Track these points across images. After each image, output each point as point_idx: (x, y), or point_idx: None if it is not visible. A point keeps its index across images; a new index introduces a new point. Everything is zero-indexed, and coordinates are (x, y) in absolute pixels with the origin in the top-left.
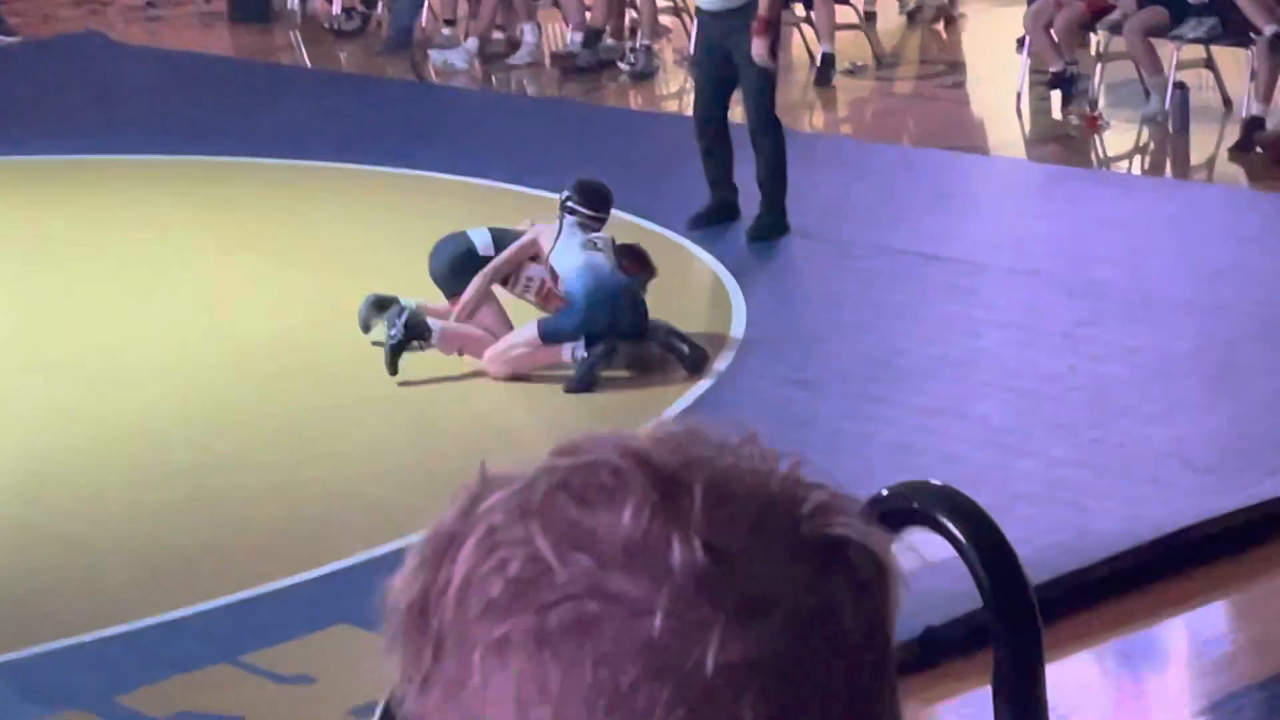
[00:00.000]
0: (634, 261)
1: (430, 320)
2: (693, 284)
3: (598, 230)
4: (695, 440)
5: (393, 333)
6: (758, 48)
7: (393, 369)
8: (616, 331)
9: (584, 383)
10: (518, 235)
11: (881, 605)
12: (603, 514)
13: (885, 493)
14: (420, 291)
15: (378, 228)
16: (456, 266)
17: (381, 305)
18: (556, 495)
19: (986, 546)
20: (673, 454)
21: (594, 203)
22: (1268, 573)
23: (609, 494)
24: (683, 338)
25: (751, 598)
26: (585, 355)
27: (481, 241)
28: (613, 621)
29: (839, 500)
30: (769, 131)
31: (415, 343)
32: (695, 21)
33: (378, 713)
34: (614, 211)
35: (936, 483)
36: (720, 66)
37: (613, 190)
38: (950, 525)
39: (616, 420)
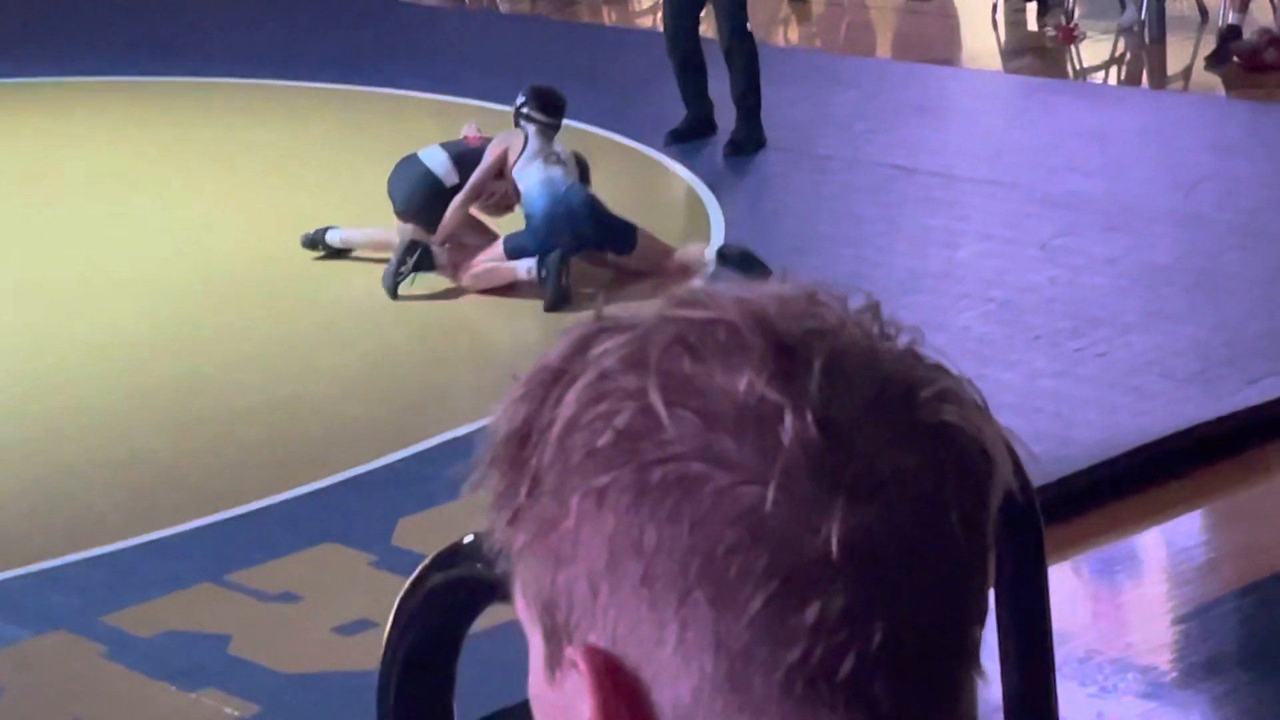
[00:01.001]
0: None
1: (435, 249)
2: (670, 199)
3: (553, 136)
4: (818, 307)
5: (403, 269)
6: None
7: (394, 294)
8: (580, 245)
9: (556, 299)
10: (472, 151)
11: (984, 501)
12: (719, 375)
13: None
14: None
15: (350, 146)
16: (423, 198)
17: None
18: (672, 349)
19: None
20: (795, 320)
21: (549, 109)
22: (1247, 480)
23: (726, 355)
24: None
25: (860, 478)
26: (541, 273)
27: (441, 168)
28: (716, 485)
29: (956, 386)
30: (743, 46)
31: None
32: None
33: (468, 540)
34: (592, 128)
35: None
36: None
37: (588, 107)
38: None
39: None
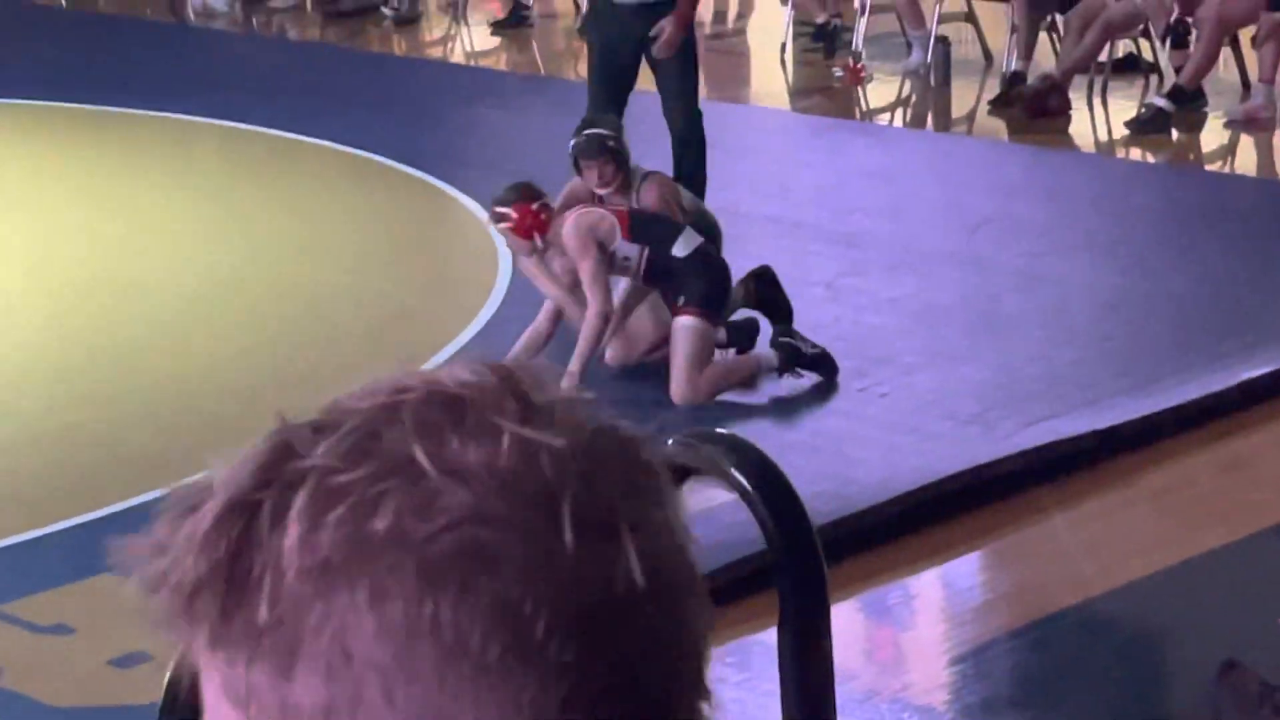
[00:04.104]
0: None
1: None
2: (456, 229)
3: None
4: (515, 378)
5: None
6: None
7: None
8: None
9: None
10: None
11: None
12: (469, 446)
13: (671, 441)
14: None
15: (135, 171)
16: None
17: None
18: (412, 429)
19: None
20: (510, 387)
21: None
22: (1025, 522)
23: (469, 425)
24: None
25: (630, 512)
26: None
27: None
28: (503, 547)
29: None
30: (697, 130)
31: None
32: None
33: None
34: (379, 157)
35: (721, 430)
36: (628, 63)
37: (377, 136)
38: (734, 472)
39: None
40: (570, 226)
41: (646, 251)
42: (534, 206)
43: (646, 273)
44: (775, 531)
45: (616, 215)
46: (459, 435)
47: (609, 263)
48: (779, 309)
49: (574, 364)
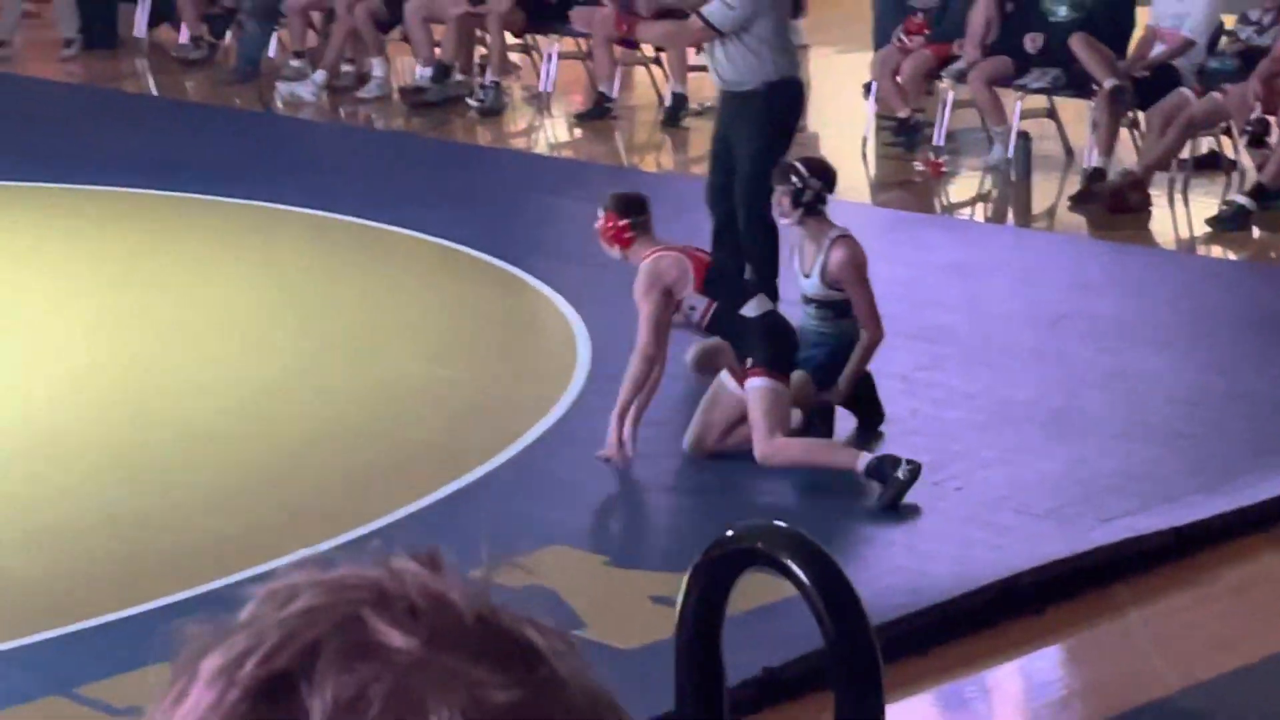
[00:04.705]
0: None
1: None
2: (536, 319)
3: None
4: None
5: None
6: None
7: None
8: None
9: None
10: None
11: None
12: (370, 664)
13: (730, 533)
14: (245, 322)
15: (220, 258)
16: None
17: None
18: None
19: (828, 587)
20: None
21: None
22: (1099, 618)
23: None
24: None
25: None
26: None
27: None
28: None
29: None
30: (756, 232)
31: None
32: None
33: None
34: (462, 247)
35: (780, 523)
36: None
37: (459, 225)
38: (793, 565)
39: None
40: (643, 266)
41: (714, 306)
42: (621, 221)
43: (708, 327)
44: (831, 627)
45: (695, 264)
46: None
47: (673, 309)
48: (872, 411)
49: (618, 408)
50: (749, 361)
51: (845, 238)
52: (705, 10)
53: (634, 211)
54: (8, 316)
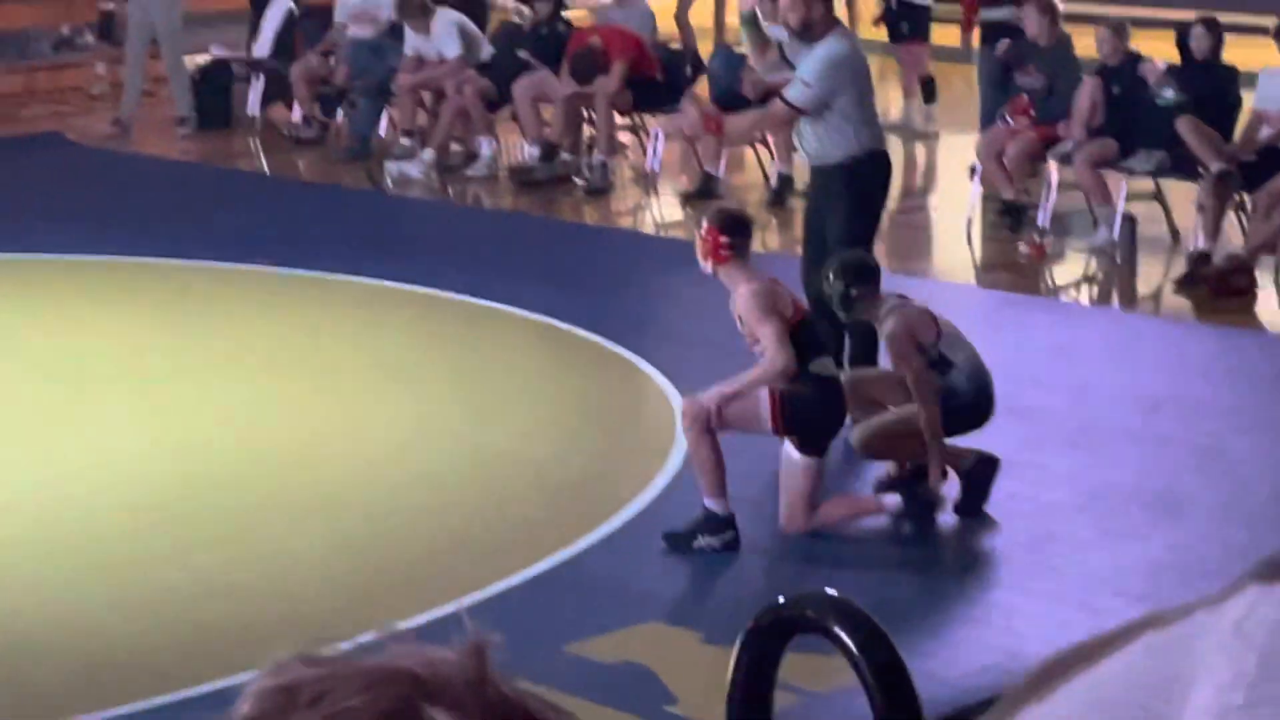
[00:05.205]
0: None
1: None
2: (637, 398)
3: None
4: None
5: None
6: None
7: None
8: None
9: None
10: None
11: None
12: None
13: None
14: (349, 396)
15: (323, 334)
16: None
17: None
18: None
19: (877, 657)
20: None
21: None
22: None
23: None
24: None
25: None
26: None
27: None
28: None
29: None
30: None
31: None
32: None
33: None
34: (568, 325)
35: (831, 592)
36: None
37: (566, 305)
38: (842, 634)
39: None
40: (750, 292)
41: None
42: (722, 238)
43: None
44: (878, 696)
45: (795, 307)
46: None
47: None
48: (976, 496)
49: (728, 387)
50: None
51: (903, 308)
52: (786, 92)
53: (736, 232)
54: (123, 384)
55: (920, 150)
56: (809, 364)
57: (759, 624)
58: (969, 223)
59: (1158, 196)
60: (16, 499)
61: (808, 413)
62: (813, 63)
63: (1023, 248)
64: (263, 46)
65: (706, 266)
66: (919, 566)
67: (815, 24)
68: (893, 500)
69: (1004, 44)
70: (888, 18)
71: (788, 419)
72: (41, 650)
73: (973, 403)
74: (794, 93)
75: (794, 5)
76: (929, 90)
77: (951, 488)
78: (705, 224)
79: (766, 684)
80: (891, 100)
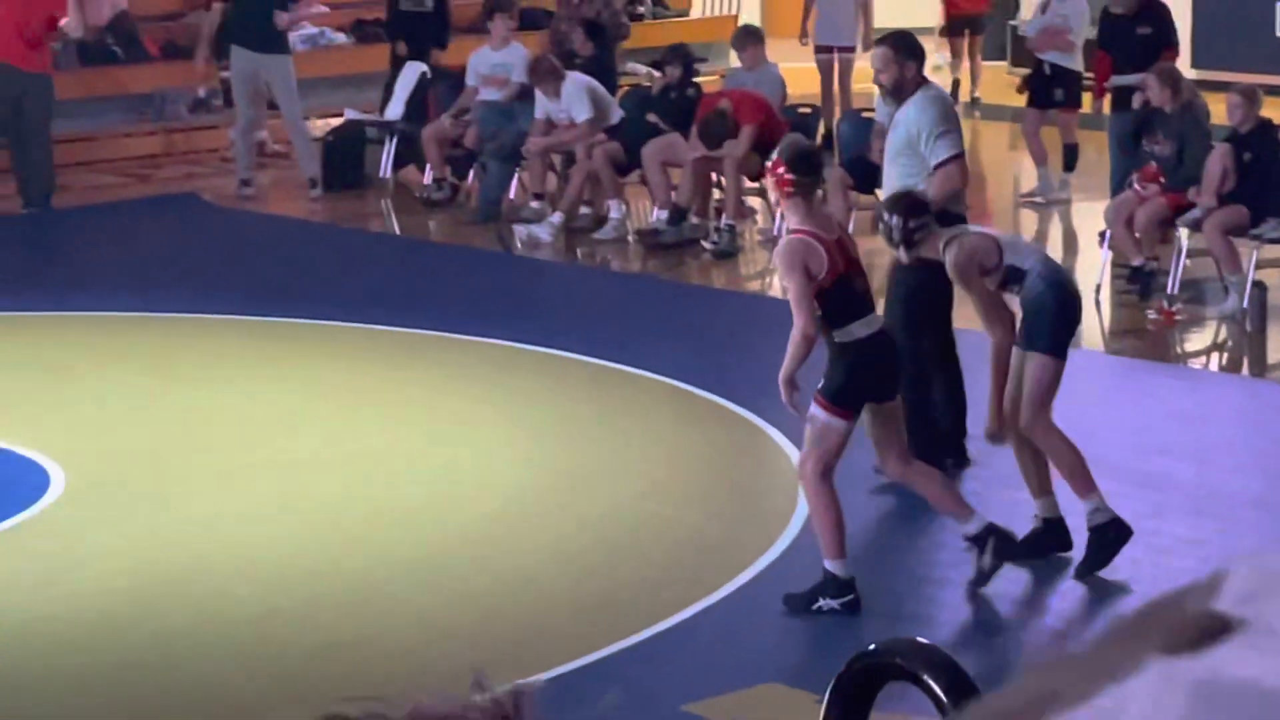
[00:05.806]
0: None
1: None
2: (761, 460)
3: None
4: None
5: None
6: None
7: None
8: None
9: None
10: None
11: None
12: None
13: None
14: (474, 454)
15: (450, 393)
16: None
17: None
18: None
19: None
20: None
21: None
22: None
23: None
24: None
25: None
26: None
27: None
28: None
29: None
30: (943, 368)
31: None
32: None
33: None
34: (694, 388)
35: (921, 640)
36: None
37: (690, 367)
38: (930, 681)
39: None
40: (785, 243)
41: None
42: (782, 170)
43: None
44: None
45: (828, 249)
46: None
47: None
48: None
49: (785, 375)
50: (820, 384)
51: (962, 236)
52: (939, 154)
53: (802, 170)
54: (250, 443)
55: (1055, 217)
56: (837, 330)
57: (849, 671)
58: (1098, 289)
59: None
60: (150, 556)
61: (853, 383)
62: (928, 112)
63: (1151, 314)
64: (395, 108)
65: (773, 196)
66: (1041, 631)
67: (907, 83)
68: (974, 528)
69: (1139, 98)
70: (1034, 83)
71: (841, 405)
72: (169, 707)
73: (1057, 303)
74: (944, 146)
75: (886, 66)
76: (1071, 157)
77: (1078, 550)
78: (775, 156)
79: None
80: (1024, 167)
